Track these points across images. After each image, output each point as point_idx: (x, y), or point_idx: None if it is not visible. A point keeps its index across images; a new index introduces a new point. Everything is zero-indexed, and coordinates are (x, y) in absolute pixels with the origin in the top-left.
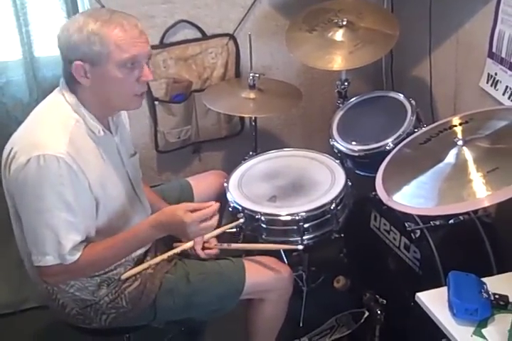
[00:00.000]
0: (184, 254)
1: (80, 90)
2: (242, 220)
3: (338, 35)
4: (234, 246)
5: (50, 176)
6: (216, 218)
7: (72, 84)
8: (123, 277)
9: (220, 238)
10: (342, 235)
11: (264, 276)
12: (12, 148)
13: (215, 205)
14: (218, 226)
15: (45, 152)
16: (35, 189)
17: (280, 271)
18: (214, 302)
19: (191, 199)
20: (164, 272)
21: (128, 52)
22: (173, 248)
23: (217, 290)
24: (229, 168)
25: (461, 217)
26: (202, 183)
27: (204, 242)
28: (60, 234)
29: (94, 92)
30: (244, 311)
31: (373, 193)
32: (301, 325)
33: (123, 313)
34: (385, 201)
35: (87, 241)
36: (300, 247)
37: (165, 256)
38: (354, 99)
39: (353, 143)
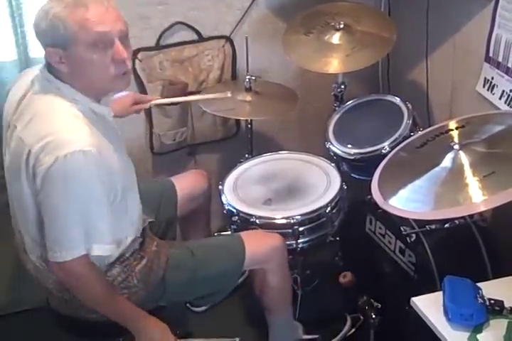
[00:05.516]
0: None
1: (66, 78)
2: None
3: (335, 38)
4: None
5: (77, 172)
6: None
7: (58, 74)
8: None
9: None
10: (337, 238)
11: (261, 246)
12: (30, 150)
13: None
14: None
15: (71, 149)
16: (64, 187)
17: (273, 239)
18: (219, 276)
19: (174, 199)
20: (168, 247)
21: (94, 30)
22: None
23: (222, 262)
24: (224, 171)
25: (456, 222)
26: (184, 182)
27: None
28: (89, 224)
29: (77, 78)
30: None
31: (369, 197)
32: None
33: (135, 292)
34: (380, 205)
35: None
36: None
37: None
38: (350, 102)
39: (349, 146)
